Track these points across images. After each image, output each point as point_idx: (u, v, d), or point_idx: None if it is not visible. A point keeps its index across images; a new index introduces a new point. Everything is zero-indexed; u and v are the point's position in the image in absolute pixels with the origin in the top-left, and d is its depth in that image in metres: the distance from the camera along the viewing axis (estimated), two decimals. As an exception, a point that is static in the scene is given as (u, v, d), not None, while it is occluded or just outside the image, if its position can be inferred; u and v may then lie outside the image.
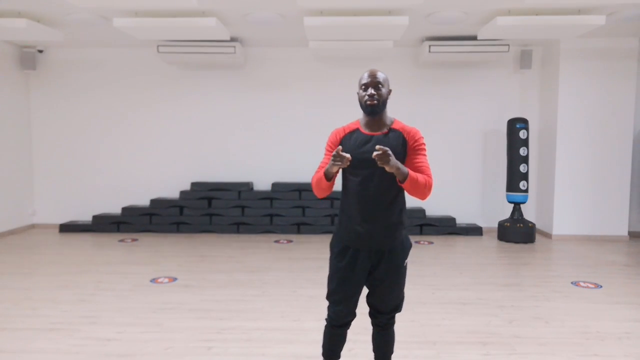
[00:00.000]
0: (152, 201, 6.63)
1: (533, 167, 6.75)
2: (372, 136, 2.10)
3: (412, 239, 6.26)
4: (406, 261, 2.19)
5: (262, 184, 6.91)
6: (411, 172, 1.99)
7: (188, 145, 6.91)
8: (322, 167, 2.16)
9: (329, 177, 2.05)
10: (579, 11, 4.89)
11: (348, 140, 2.14)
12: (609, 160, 6.22)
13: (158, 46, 6.09)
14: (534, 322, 3.29)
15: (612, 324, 3.27)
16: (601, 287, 4.16)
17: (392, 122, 2.16)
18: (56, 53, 6.84)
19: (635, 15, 5.09)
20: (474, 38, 5.99)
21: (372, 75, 2.08)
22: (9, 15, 5.12)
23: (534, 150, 6.74)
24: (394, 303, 2.22)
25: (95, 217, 6.61)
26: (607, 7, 4.76)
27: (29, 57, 6.64)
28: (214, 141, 6.90)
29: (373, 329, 2.32)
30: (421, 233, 6.53)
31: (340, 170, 2.10)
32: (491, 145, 6.79)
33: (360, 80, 2.12)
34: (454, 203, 6.85)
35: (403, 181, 1.97)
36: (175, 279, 4.31)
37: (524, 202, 6.23)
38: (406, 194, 2.13)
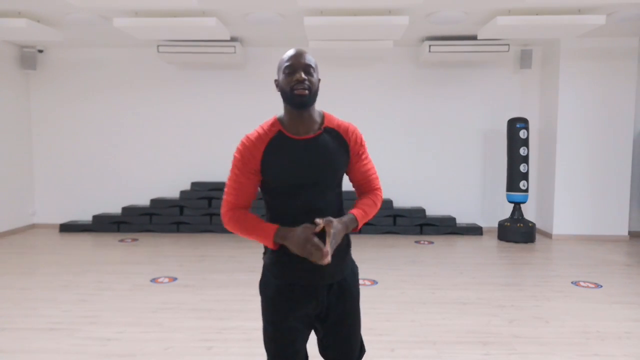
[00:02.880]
0: (152, 201, 6.63)
1: (533, 167, 6.75)
2: (302, 141, 1.54)
3: (412, 238, 6.26)
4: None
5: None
6: (358, 214, 1.56)
7: (188, 145, 6.91)
8: (236, 189, 1.55)
9: (274, 243, 1.51)
10: (579, 11, 4.90)
11: (274, 152, 1.52)
12: (609, 160, 6.22)
13: (158, 46, 6.10)
14: (534, 322, 3.29)
15: (612, 324, 3.27)
16: (601, 287, 4.16)
17: (323, 118, 1.60)
18: (56, 53, 6.84)
19: (635, 15, 5.09)
20: (474, 38, 5.99)
21: (300, 55, 1.50)
22: (9, 15, 5.12)
23: (534, 150, 6.74)
24: (356, 347, 1.68)
25: (95, 217, 6.61)
26: (607, 7, 4.76)
27: (29, 57, 6.63)
28: (214, 141, 6.89)
29: None
30: (421, 233, 6.52)
31: (264, 186, 1.58)
32: (491, 145, 6.79)
33: (281, 63, 1.53)
34: (454, 203, 6.85)
35: (357, 228, 1.58)
36: (175, 279, 4.31)
37: (524, 202, 6.22)
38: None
